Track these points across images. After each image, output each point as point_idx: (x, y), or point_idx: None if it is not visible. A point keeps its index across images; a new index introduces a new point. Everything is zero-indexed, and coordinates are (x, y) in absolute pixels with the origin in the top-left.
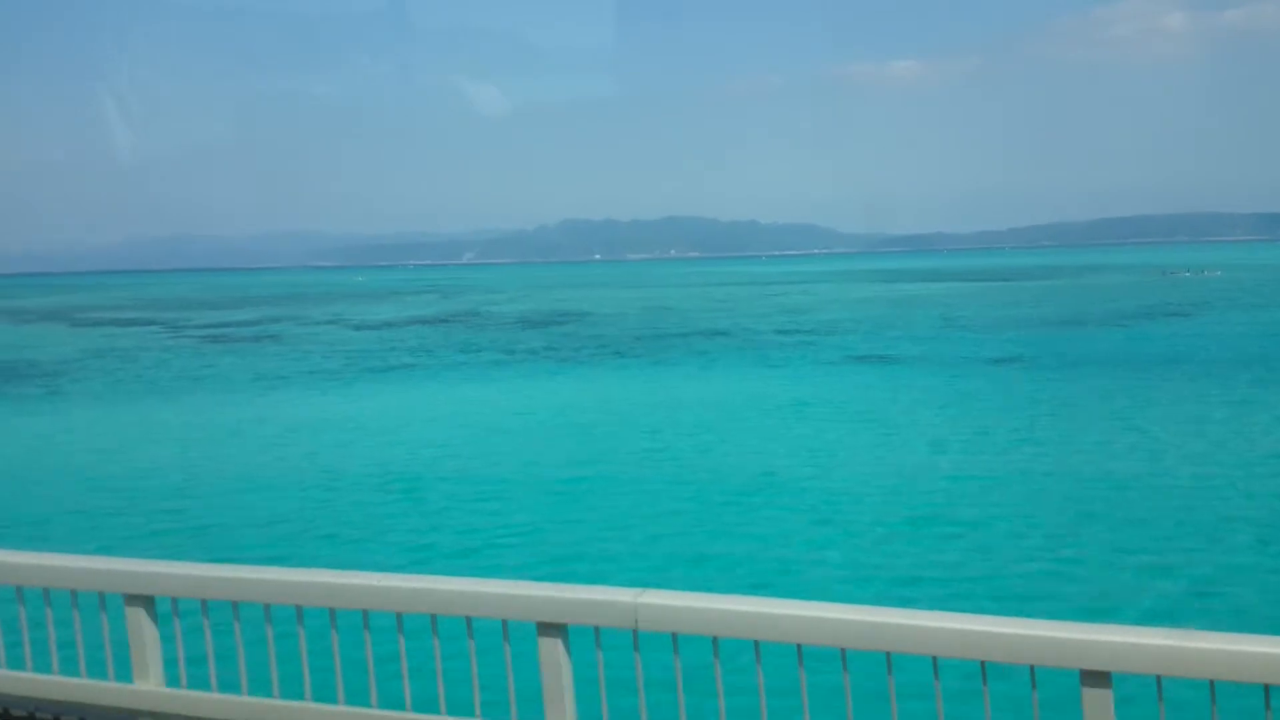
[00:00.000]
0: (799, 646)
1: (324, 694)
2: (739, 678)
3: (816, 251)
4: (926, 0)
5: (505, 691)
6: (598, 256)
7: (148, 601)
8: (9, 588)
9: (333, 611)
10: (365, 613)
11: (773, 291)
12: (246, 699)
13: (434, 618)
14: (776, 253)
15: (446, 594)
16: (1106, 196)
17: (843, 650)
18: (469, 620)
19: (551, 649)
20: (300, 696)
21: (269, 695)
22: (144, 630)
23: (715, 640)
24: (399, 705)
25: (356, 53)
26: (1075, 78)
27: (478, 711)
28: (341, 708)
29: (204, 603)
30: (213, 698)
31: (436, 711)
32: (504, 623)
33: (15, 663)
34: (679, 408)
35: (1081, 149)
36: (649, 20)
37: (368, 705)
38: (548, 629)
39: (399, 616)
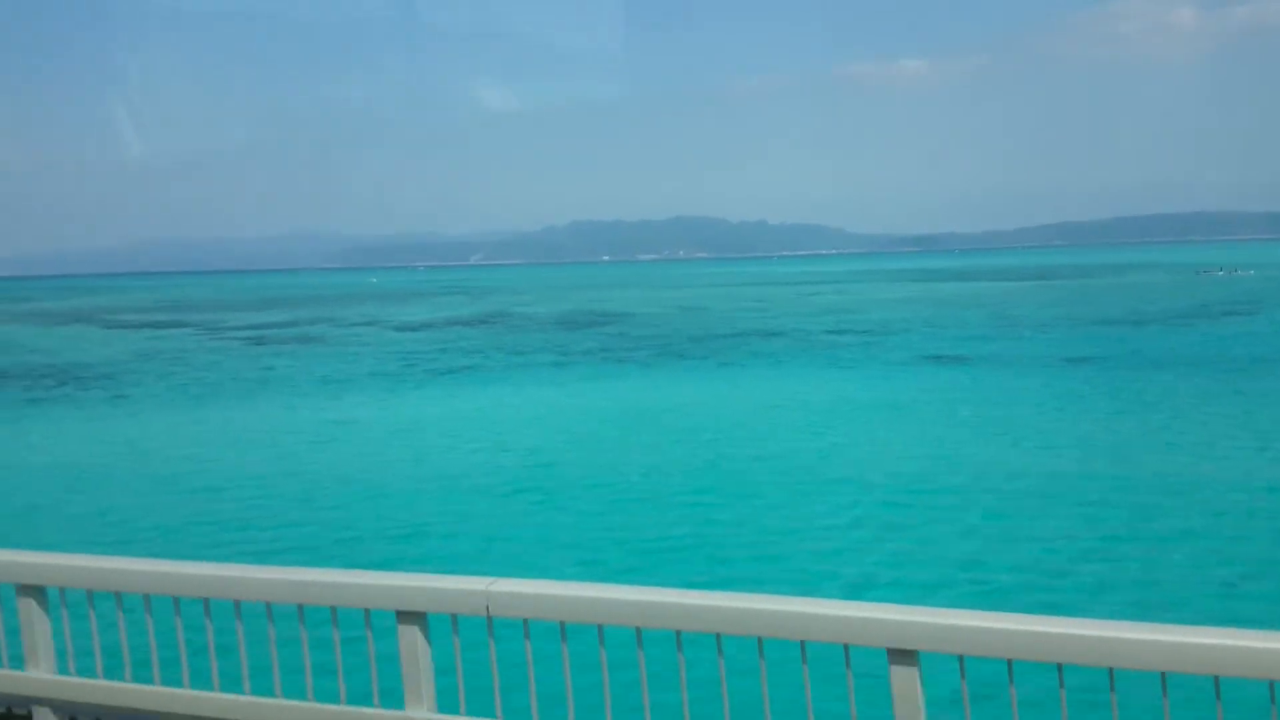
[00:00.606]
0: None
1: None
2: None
3: (826, 251)
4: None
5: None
6: (606, 257)
7: (421, 619)
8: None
9: (528, 623)
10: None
11: (803, 291)
12: None
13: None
14: (786, 253)
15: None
16: (1116, 195)
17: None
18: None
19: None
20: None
21: None
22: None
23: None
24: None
25: (363, 55)
26: (1082, 75)
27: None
28: None
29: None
30: None
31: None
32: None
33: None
34: (775, 409)
35: (1090, 147)
36: (653, 22)
37: None
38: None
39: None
